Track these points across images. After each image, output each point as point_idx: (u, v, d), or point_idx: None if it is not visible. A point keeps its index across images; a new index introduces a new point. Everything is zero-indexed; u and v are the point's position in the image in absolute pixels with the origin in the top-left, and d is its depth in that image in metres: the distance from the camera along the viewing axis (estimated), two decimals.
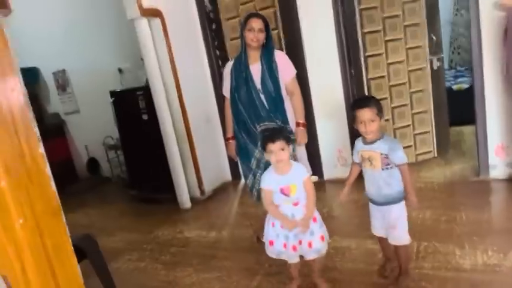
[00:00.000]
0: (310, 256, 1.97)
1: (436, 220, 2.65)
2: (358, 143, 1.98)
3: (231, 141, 2.66)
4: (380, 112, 1.85)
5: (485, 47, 2.94)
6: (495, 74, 2.96)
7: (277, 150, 1.83)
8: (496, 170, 3.12)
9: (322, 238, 1.95)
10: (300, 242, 1.92)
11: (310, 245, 1.93)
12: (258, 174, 2.53)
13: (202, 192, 3.90)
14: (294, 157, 2.49)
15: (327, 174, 3.79)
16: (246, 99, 2.47)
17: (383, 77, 3.60)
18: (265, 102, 2.44)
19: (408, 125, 3.73)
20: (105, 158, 4.99)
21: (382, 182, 1.89)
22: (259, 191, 2.58)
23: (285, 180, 1.89)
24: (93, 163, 5.36)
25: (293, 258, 2.01)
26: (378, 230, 2.04)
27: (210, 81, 4.09)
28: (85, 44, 4.80)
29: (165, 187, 3.84)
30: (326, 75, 3.55)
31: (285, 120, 2.47)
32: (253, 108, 2.46)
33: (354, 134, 3.64)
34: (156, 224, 3.45)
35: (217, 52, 4.07)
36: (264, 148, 1.90)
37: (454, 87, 4.95)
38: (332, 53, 3.48)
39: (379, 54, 3.56)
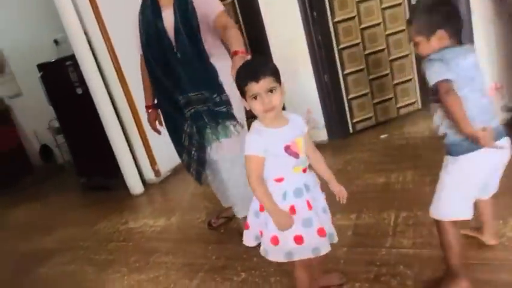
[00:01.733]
0: (336, 236, 1.37)
1: (418, 182, 2.17)
2: None
3: (150, 110, 2.10)
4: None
5: None
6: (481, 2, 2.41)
7: (263, 91, 1.17)
8: None
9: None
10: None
11: (332, 221, 1.38)
12: (193, 152, 2.00)
13: (156, 173, 3.39)
14: (240, 125, 1.93)
15: None
16: (160, 60, 1.87)
17: (352, 18, 3.02)
18: (183, 64, 1.83)
19: (386, 74, 3.19)
20: (55, 143, 4.46)
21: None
22: (198, 170, 2.05)
23: (289, 134, 1.24)
24: (45, 150, 4.82)
25: (325, 247, 1.29)
26: None
27: None
28: (15, 15, 4.17)
29: (114, 171, 3.33)
30: (285, 23, 2.96)
31: (212, 88, 1.85)
32: (171, 72, 1.86)
33: (324, 90, 3.16)
34: (102, 216, 2.96)
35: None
36: (242, 92, 1.22)
37: None
38: None
39: None
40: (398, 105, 3.27)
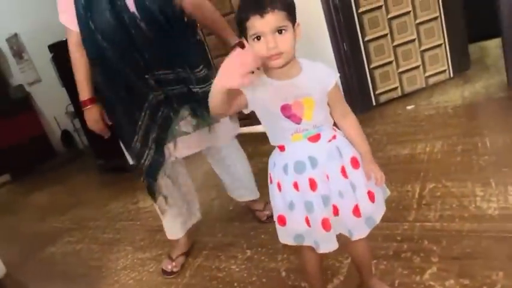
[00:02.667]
0: (356, 233, 1.04)
1: (448, 152, 1.93)
2: None
3: (89, 106, 1.53)
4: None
5: None
6: None
7: (269, 31, 0.88)
8: None
9: (371, 195, 1.03)
10: (336, 211, 1.01)
11: (356, 210, 1.01)
12: (148, 155, 1.52)
13: None
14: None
15: None
16: (111, 31, 1.35)
17: None
18: (148, 35, 1.37)
19: (413, 40, 2.91)
20: (73, 128, 4.47)
21: None
22: (150, 181, 1.58)
23: (293, 91, 0.95)
24: (67, 136, 4.86)
25: (327, 243, 1.03)
26: None
27: None
28: None
29: None
30: None
31: (195, 61, 1.44)
32: (131, 47, 1.37)
33: (342, 59, 2.90)
34: (114, 196, 2.90)
35: None
36: (242, 31, 0.92)
37: None
38: None
39: None
40: (427, 74, 2.99)
